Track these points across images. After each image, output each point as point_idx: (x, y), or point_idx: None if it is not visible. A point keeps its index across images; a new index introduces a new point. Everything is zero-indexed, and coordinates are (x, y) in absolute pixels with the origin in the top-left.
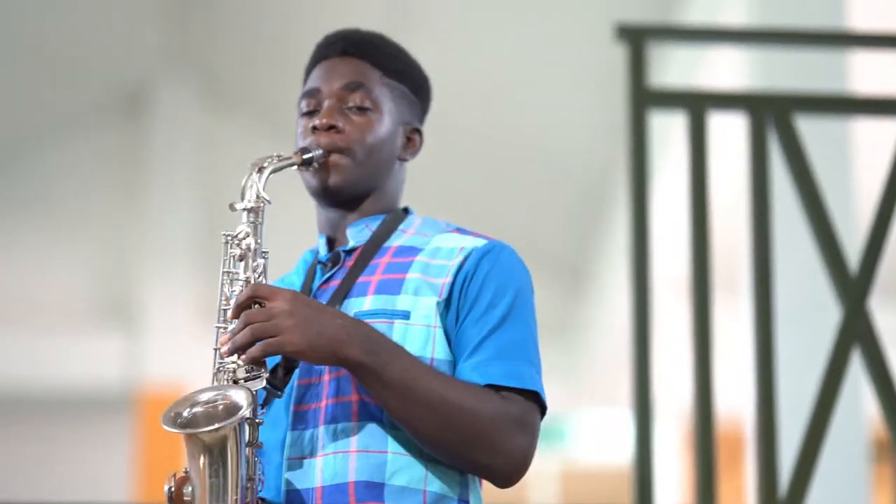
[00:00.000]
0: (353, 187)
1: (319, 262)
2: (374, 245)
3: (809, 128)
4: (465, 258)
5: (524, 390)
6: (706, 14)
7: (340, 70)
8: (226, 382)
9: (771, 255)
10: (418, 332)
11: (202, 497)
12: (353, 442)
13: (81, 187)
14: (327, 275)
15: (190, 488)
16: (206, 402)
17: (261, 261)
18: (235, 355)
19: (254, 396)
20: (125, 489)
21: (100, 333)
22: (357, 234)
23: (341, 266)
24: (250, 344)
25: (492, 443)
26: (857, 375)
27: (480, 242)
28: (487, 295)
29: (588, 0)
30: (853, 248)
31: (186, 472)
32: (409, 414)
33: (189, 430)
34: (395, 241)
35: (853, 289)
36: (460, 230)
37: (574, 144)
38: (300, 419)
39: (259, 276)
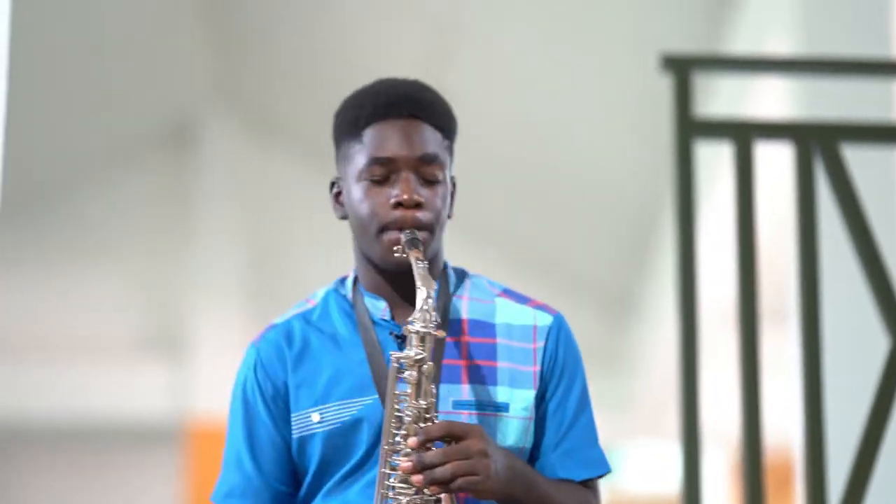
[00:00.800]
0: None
1: (396, 336)
2: (442, 319)
3: (856, 157)
4: (545, 342)
5: None
6: (751, 43)
7: (414, 138)
8: None
9: (818, 283)
10: (517, 425)
11: None
12: None
13: (128, 220)
14: None
15: None
16: None
17: (433, 387)
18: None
19: None
20: None
21: (147, 366)
22: None
23: None
24: (450, 479)
25: None
26: None
27: (548, 319)
28: (565, 379)
29: (634, 30)
30: None
31: None
32: None
33: None
34: (460, 312)
35: None
36: (508, 293)
37: (620, 174)
38: None
39: (437, 402)
